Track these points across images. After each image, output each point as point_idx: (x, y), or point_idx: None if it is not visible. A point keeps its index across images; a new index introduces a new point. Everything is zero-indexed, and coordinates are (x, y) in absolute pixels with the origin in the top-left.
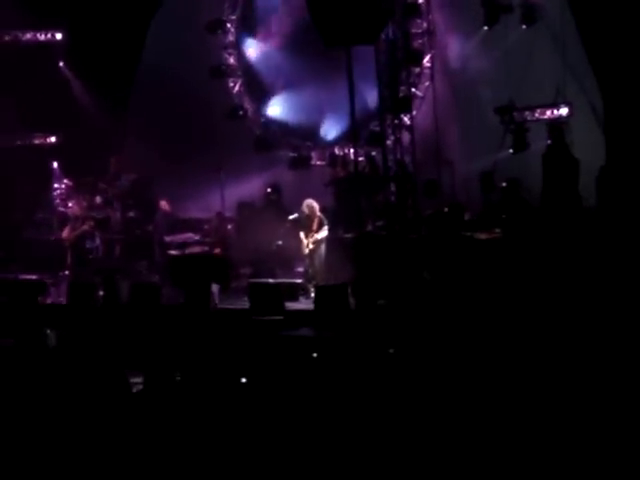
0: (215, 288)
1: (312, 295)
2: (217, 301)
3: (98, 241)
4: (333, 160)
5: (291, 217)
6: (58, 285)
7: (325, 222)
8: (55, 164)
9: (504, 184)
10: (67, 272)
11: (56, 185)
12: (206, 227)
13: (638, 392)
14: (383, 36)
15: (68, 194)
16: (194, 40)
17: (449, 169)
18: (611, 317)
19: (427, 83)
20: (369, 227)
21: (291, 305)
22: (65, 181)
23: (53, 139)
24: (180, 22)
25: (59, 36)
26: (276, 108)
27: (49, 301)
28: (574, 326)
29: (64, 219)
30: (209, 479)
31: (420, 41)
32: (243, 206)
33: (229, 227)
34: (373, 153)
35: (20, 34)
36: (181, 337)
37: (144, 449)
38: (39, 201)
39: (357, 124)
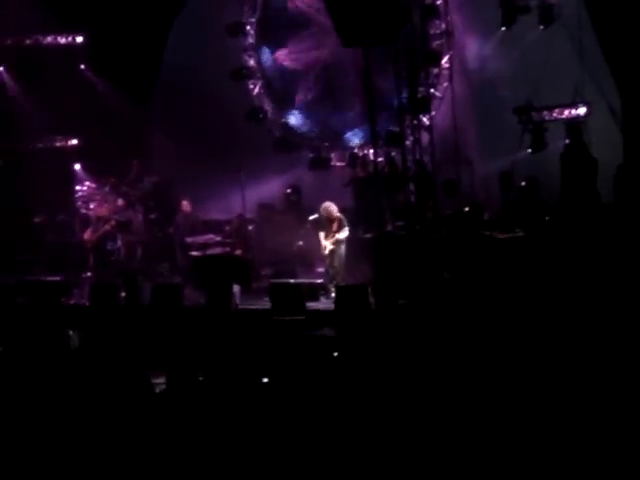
0: (236, 289)
1: (333, 295)
2: (238, 302)
3: (120, 243)
4: (353, 160)
5: (311, 218)
6: (81, 287)
7: (345, 223)
8: (77, 166)
9: (523, 183)
10: (89, 274)
11: (78, 187)
12: (227, 228)
13: None
14: (402, 37)
15: (90, 196)
16: (215, 42)
17: (468, 169)
18: (631, 315)
19: (446, 84)
20: (389, 227)
21: (312, 305)
22: (87, 183)
23: (75, 142)
24: (201, 24)
25: (80, 39)
26: (295, 118)
27: (72, 302)
28: (594, 325)
29: (86, 221)
30: (231, 479)
31: (438, 42)
32: (263, 207)
33: (250, 228)
34: (392, 153)
35: (41, 38)
36: (203, 338)
37: (167, 449)
38: (61, 203)
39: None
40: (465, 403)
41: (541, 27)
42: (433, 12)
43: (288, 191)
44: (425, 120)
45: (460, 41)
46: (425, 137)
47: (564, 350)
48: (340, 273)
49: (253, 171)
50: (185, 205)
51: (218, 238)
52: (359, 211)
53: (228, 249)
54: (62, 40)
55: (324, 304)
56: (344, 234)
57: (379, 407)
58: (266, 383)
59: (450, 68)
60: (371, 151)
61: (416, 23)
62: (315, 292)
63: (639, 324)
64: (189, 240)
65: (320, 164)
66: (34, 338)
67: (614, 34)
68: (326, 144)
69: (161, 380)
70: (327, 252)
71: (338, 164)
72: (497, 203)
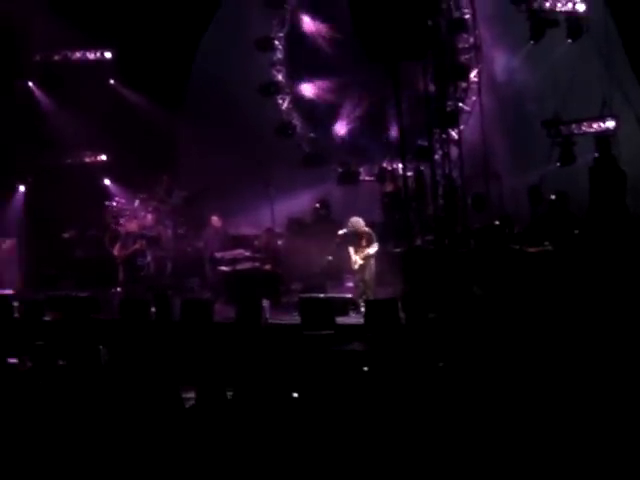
0: (266, 303)
1: (362, 309)
2: (268, 316)
3: (149, 258)
4: (382, 175)
5: (340, 232)
6: (110, 302)
7: (374, 237)
8: (107, 182)
9: (552, 197)
10: (119, 289)
11: (108, 203)
12: (256, 243)
13: None
14: (430, 51)
15: (120, 212)
16: (243, 56)
17: (497, 182)
18: None
19: (474, 97)
20: (418, 241)
21: (342, 320)
22: (117, 199)
23: (103, 157)
24: (229, 38)
25: (109, 55)
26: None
27: (101, 318)
28: (625, 338)
29: (116, 237)
30: None
31: (467, 56)
32: (293, 221)
33: (279, 242)
34: (421, 168)
35: (69, 53)
36: (233, 353)
37: (197, 463)
38: (91, 219)
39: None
40: (499, 419)
41: (569, 41)
42: (461, 26)
43: (317, 205)
44: (454, 134)
45: (488, 55)
46: (454, 151)
47: (595, 363)
48: (371, 287)
49: (282, 185)
50: (215, 220)
51: (248, 253)
52: (388, 225)
53: (258, 264)
54: (91, 56)
55: (354, 318)
56: (374, 249)
57: (410, 422)
58: (296, 398)
59: (479, 82)
60: (400, 165)
61: (444, 37)
62: (345, 306)
63: None
64: (219, 255)
65: (349, 178)
66: (64, 354)
67: None
68: (356, 159)
69: (191, 395)
70: (357, 267)
71: (367, 178)
72: (526, 216)
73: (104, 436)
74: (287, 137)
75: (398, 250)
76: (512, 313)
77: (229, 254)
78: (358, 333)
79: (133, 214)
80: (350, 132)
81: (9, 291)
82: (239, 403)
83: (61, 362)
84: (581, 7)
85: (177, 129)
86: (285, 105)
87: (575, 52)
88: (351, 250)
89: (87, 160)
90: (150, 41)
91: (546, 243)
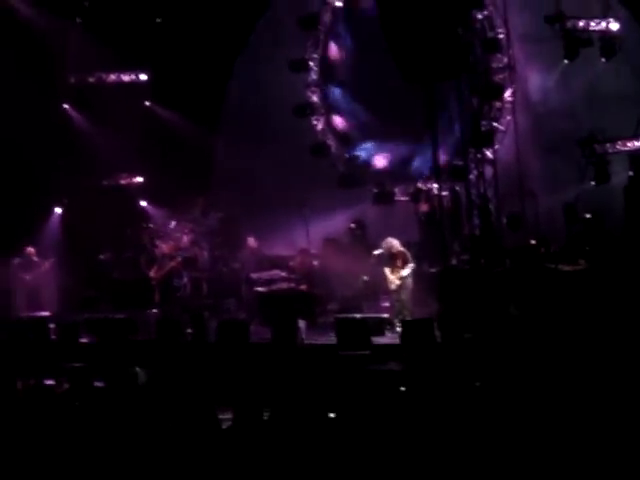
0: (302, 324)
1: (398, 329)
2: (304, 337)
3: (186, 279)
4: (417, 195)
5: (376, 252)
6: (147, 323)
7: (409, 258)
8: (143, 203)
9: (588, 216)
10: (155, 310)
11: (144, 224)
12: (291, 264)
13: None
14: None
15: (156, 233)
16: (278, 77)
17: (532, 201)
18: None
19: (509, 117)
20: (454, 261)
21: (378, 340)
22: (153, 220)
23: (140, 179)
24: (264, 59)
25: (144, 77)
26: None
27: (138, 339)
28: None
29: (152, 258)
30: None
31: (501, 76)
32: (328, 242)
33: (315, 263)
34: (456, 187)
35: (104, 75)
36: (269, 373)
37: None
38: (127, 240)
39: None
40: (536, 438)
41: (603, 59)
42: (495, 46)
43: (352, 226)
44: (489, 154)
45: (522, 74)
46: (489, 171)
47: (631, 378)
48: (407, 307)
49: (317, 206)
50: (251, 241)
51: (283, 274)
52: (424, 245)
53: (293, 284)
54: (126, 78)
55: (390, 338)
56: (409, 269)
57: (447, 442)
58: (333, 418)
59: (513, 101)
60: (435, 185)
61: (478, 57)
62: (381, 326)
63: None
64: (254, 276)
65: (384, 198)
66: (101, 375)
67: None
68: (392, 179)
69: (228, 416)
70: (394, 287)
71: (402, 198)
72: (561, 235)
73: (141, 457)
74: (322, 157)
75: (434, 270)
76: (548, 332)
77: (265, 275)
78: (394, 353)
79: (169, 235)
80: (390, 163)
81: (46, 313)
82: (276, 424)
83: (98, 384)
84: (614, 26)
85: (212, 150)
86: (320, 126)
87: (609, 71)
88: (387, 270)
89: (123, 182)
90: (185, 63)
91: (581, 262)
